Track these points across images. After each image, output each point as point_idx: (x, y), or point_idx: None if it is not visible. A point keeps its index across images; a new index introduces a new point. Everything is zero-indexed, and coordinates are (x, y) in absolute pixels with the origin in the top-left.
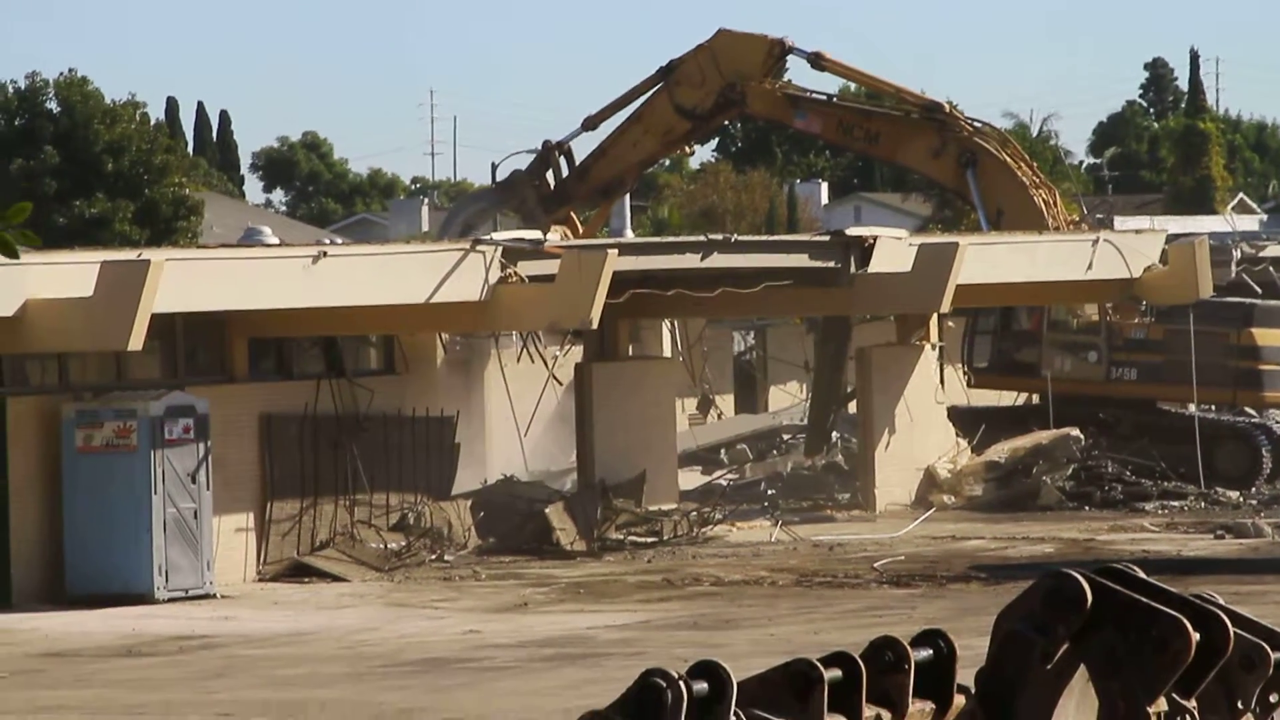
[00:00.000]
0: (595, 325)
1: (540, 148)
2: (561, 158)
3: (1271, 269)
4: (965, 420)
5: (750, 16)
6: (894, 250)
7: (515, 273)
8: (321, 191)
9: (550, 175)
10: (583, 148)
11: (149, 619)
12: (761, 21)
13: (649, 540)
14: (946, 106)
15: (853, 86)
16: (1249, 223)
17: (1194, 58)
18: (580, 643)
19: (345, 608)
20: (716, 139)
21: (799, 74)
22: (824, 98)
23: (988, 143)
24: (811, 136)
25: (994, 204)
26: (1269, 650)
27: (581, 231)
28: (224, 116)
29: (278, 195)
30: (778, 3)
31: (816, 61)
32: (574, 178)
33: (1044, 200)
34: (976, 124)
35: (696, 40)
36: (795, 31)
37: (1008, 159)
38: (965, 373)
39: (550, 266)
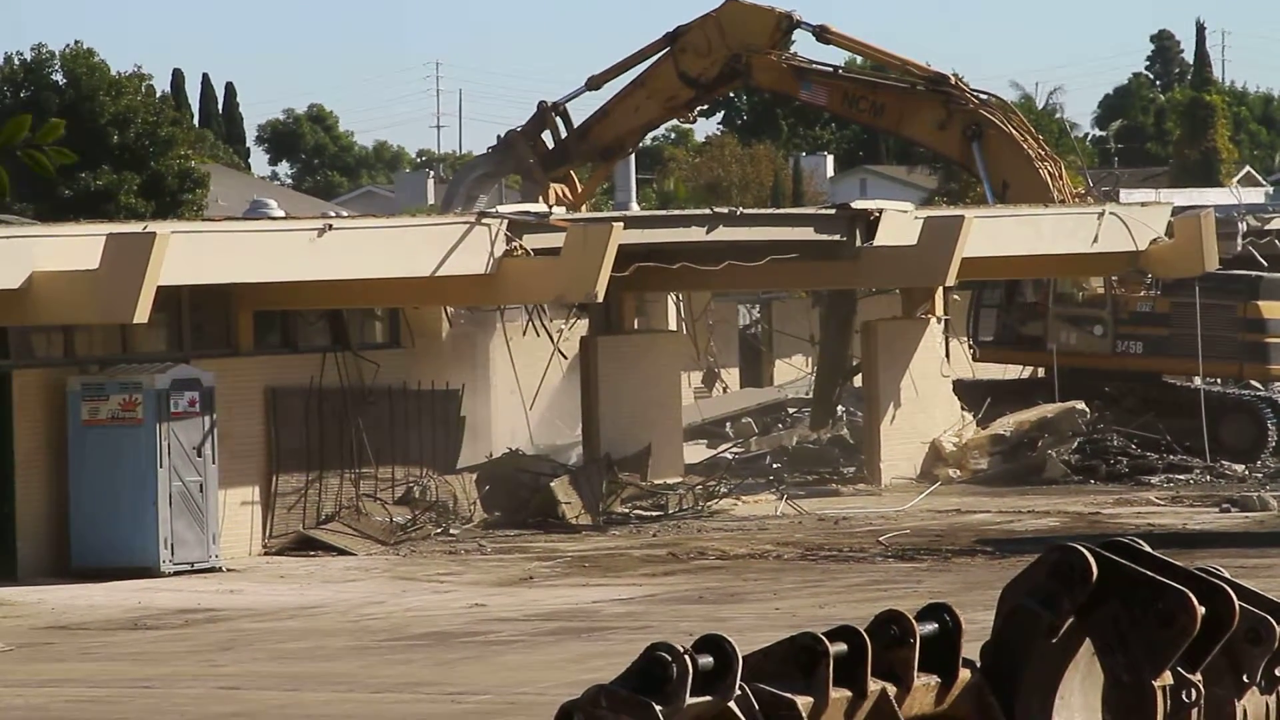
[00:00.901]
0: (600, 298)
1: (536, 108)
2: (558, 119)
3: (1277, 241)
4: (971, 394)
5: None
6: (899, 223)
7: (520, 246)
8: (327, 164)
9: (547, 136)
10: (585, 107)
11: (154, 592)
12: None
13: (654, 514)
14: (952, 78)
15: (859, 60)
16: (1255, 195)
17: (1200, 29)
18: (585, 616)
19: (350, 581)
20: (722, 112)
21: (804, 47)
22: (829, 69)
23: (993, 115)
24: (817, 108)
25: (999, 176)
26: (1274, 624)
27: (580, 191)
28: (229, 89)
29: (283, 168)
30: None
31: (822, 34)
32: (574, 137)
33: (1049, 173)
34: (982, 96)
35: (705, 9)
36: (803, 2)
37: (1013, 131)
38: (970, 346)
39: (555, 239)
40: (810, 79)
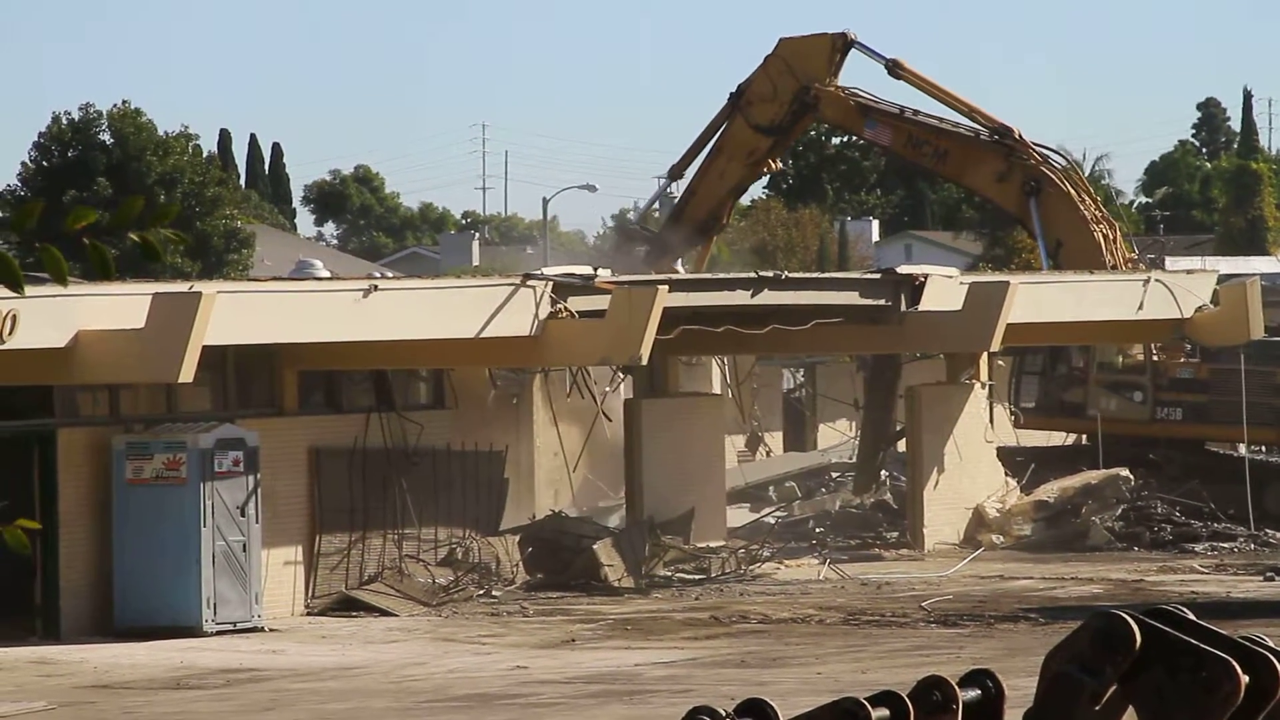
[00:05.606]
0: (645, 361)
1: (617, 234)
2: (638, 227)
3: None
4: (1014, 460)
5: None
6: (944, 289)
7: (565, 308)
8: (372, 225)
9: (640, 246)
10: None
11: (197, 652)
12: None
13: (697, 577)
14: (1016, 132)
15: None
16: None
17: (1247, 98)
18: (627, 680)
19: (393, 642)
20: (768, 176)
21: (875, 81)
22: (895, 110)
23: (1053, 173)
24: (880, 148)
25: (1054, 235)
26: None
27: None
28: (276, 149)
29: (329, 228)
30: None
31: (893, 69)
32: (668, 228)
33: (1104, 235)
34: (1045, 151)
35: (746, 62)
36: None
37: (1071, 190)
38: (1012, 413)
39: (601, 302)
40: (875, 118)
